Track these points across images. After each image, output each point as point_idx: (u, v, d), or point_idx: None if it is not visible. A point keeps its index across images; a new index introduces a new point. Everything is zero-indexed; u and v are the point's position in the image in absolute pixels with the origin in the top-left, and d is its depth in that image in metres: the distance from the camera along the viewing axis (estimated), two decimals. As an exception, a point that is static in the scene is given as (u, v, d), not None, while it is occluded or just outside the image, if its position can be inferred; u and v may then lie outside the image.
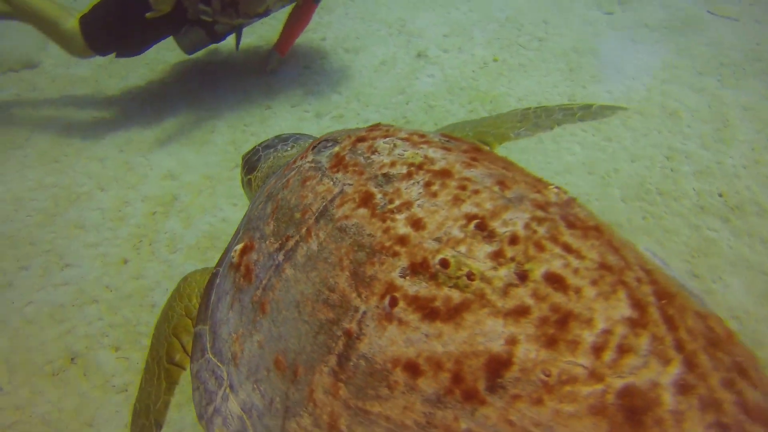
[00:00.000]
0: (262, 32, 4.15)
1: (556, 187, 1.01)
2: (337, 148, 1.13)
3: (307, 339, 0.88)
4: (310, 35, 4.07)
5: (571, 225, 0.89)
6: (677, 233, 2.63)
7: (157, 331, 1.38)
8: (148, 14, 3.01)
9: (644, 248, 1.07)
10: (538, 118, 1.89)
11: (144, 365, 1.40)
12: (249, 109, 3.44)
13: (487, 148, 1.24)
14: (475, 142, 1.47)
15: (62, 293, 2.58)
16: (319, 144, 1.21)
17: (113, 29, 3.23)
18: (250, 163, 1.87)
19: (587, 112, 1.91)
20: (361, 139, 1.11)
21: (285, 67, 3.77)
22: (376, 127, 1.19)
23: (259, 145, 1.94)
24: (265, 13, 3.35)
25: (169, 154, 3.21)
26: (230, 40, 3.66)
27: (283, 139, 1.91)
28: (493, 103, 3.35)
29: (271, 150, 1.85)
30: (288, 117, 3.36)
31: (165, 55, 4.05)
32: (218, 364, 1.04)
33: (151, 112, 3.52)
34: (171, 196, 2.95)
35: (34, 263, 2.74)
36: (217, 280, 1.19)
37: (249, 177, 1.86)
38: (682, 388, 0.73)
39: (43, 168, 3.22)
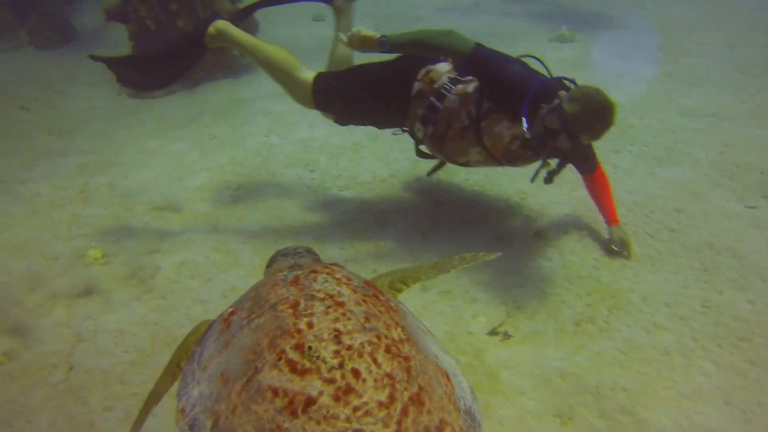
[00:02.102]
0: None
1: (402, 329, 1.70)
2: (299, 272, 1.90)
3: (238, 366, 1.60)
4: (426, 197, 4.06)
5: (388, 350, 1.58)
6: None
7: (177, 349, 2.07)
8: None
9: (458, 380, 1.79)
10: (442, 265, 2.43)
11: (163, 370, 2.07)
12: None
13: (394, 292, 2.27)
14: (383, 287, 2.31)
15: (136, 448, 2.49)
16: (292, 266, 2.16)
17: (343, 105, 3.65)
18: (269, 262, 2.56)
19: (475, 258, 2.43)
20: (313, 271, 1.89)
21: (399, 233, 3.75)
22: (327, 265, 1.97)
23: (281, 250, 2.58)
24: (465, 165, 3.48)
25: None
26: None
27: (294, 251, 2.54)
28: (614, 298, 3.08)
29: (283, 258, 2.50)
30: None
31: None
32: (197, 369, 1.78)
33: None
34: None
35: (119, 405, 2.70)
36: (214, 325, 1.94)
37: (265, 270, 2.56)
38: None
39: (151, 303, 3.28)
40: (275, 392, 1.50)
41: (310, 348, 1.56)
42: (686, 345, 2.80)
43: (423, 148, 3.61)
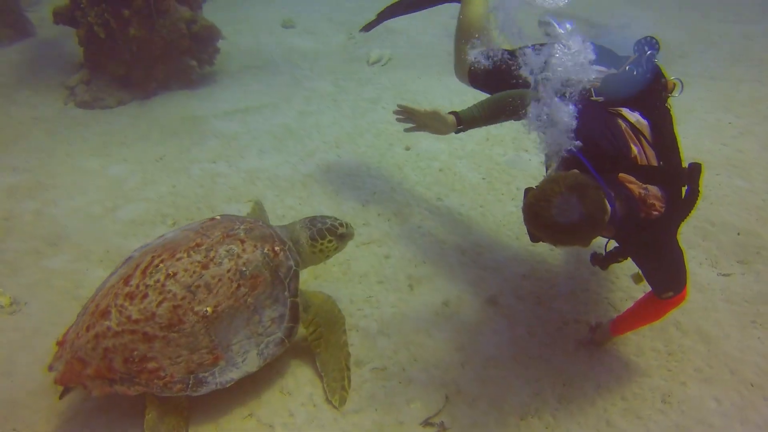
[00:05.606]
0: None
1: (213, 311, 2.46)
2: (241, 235, 2.70)
3: (158, 246, 2.69)
4: (374, 248, 3.70)
5: (175, 308, 2.44)
6: None
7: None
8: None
9: (225, 369, 2.48)
10: (330, 368, 2.79)
11: None
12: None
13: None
14: (313, 302, 2.96)
15: None
16: (247, 229, 2.78)
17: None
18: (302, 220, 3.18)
19: (333, 390, 2.74)
20: (240, 240, 2.67)
21: (340, 286, 3.38)
22: (256, 244, 2.69)
23: (307, 218, 3.13)
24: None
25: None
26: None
27: (299, 224, 3.11)
28: (566, 387, 2.75)
29: (302, 223, 3.11)
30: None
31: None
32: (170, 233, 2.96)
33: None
34: None
35: None
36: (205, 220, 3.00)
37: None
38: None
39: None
40: (134, 268, 2.54)
41: (158, 266, 2.49)
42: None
43: None
